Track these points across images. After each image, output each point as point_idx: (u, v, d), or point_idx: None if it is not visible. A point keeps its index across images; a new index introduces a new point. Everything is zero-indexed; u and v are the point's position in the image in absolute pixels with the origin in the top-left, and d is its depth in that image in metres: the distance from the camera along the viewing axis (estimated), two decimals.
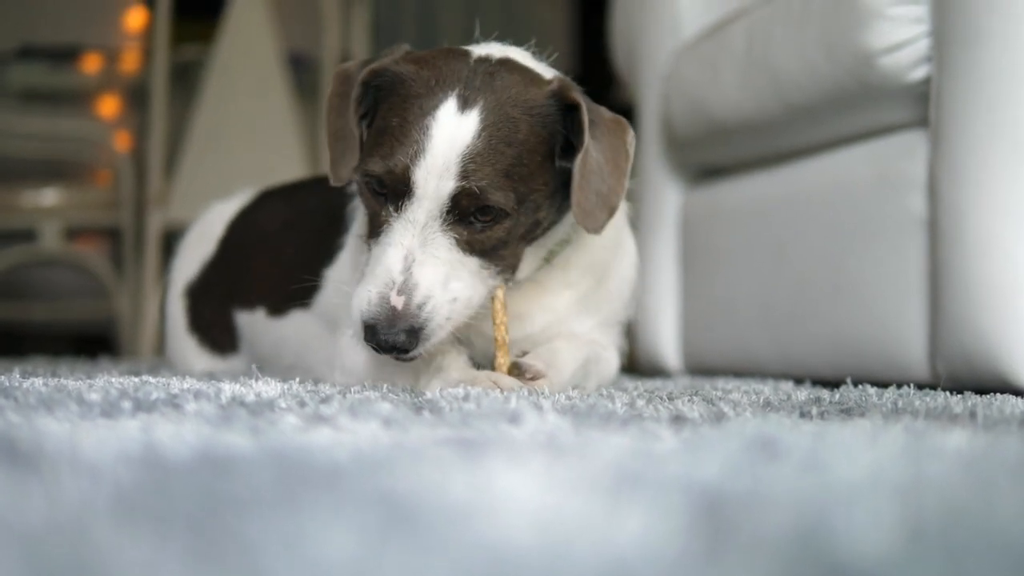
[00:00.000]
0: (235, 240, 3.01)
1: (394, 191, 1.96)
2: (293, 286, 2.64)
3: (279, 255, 2.77)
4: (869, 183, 2.70)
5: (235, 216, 3.08)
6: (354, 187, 2.51)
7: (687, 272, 3.51)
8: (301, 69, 5.94)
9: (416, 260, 1.93)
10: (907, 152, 2.61)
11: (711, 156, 3.42)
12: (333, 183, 2.15)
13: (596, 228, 2.05)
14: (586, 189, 2.02)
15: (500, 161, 1.96)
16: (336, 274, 2.51)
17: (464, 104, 1.97)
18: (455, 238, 1.96)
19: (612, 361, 2.41)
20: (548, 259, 2.23)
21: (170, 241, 4.85)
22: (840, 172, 2.84)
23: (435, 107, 1.97)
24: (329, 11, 5.51)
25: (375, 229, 2.01)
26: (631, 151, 2.10)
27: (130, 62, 6.76)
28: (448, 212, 1.95)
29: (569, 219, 2.16)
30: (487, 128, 1.96)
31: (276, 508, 0.72)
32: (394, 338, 1.89)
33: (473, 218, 1.96)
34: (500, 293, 2.14)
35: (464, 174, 1.93)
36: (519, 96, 2.02)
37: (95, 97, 6.80)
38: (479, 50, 2.14)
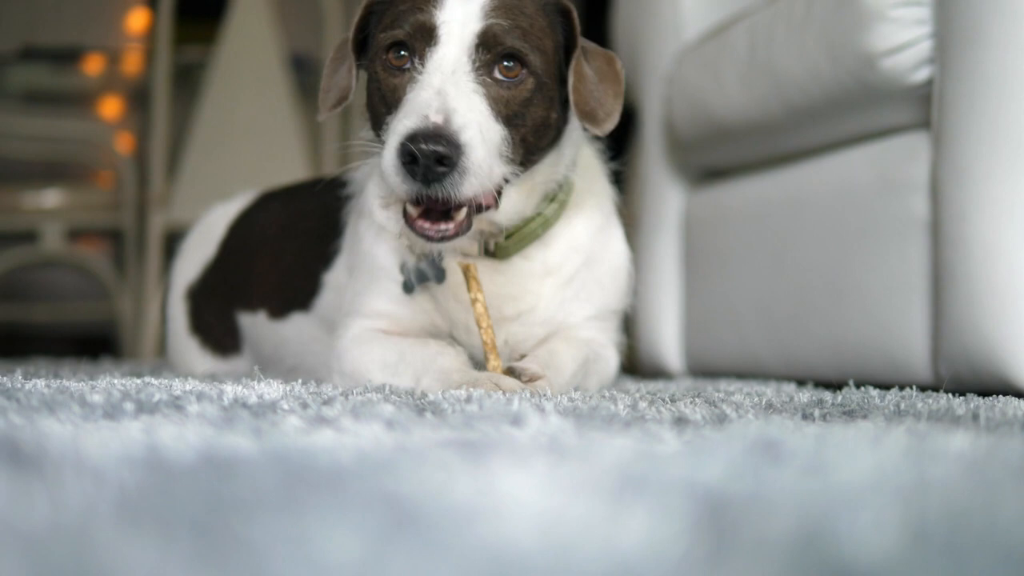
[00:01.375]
0: (236, 242, 3.01)
1: (419, 43, 1.98)
2: (292, 290, 2.65)
3: (279, 258, 2.77)
4: (871, 185, 2.70)
5: (236, 218, 3.08)
6: (349, 189, 2.52)
7: (689, 273, 3.51)
8: (303, 71, 5.94)
9: (450, 94, 1.91)
10: (909, 154, 2.60)
11: (713, 158, 3.42)
12: (322, 113, 2.18)
13: (598, 125, 2.10)
14: (583, 92, 2.07)
15: (518, 19, 2.01)
16: (333, 279, 2.52)
17: None
18: (483, 91, 1.96)
19: (612, 360, 2.41)
20: (548, 199, 2.23)
21: (172, 242, 4.85)
22: (842, 174, 2.84)
23: None
24: (331, 13, 5.51)
25: (397, 100, 1.97)
26: (622, 76, 2.16)
27: (132, 63, 6.77)
28: (475, 54, 1.97)
29: (568, 152, 2.21)
30: (497, 5, 2.02)
31: (280, 510, 0.72)
32: (435, 146, 1.82)
33: (499, 70, 1.99)
34: (481, 296, 2.15)
35: (486, 17, 1.98)
36: None
37: (97, 98, 6.81)
38: None
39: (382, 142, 1.98)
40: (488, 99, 1.96)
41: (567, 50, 2.10)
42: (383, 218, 2.21)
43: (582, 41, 2.11)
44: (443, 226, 1.94)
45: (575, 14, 2.09)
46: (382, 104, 2.03)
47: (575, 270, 2.32)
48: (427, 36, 1.97)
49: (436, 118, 1.84)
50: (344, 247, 2.49)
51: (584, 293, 2.35)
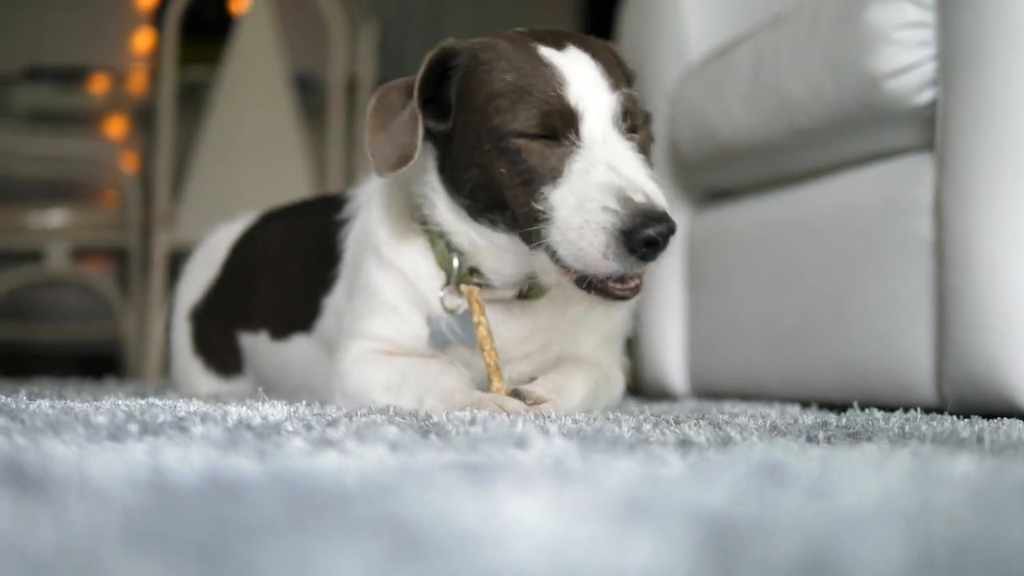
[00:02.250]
0: (238, 262, 3.01)
1: (561, 121, 1.98)
2: (293, 311, 2.65)
3: (280, 278, 2.78)
4: (875, 206, 2.70)
5: (238, 238, 3.08)
6: (346, 213, 2.52)
7: (693, 295, 3.51)
8: (308, 90, 5.96)
9: (624, 168, 1.93)
10: (913, 175, 2.61)
11: (717, 179, 3.42)
12: (390, 171, 2.10)
13: None
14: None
15: (621, 79, 2.06)
16: (333, 303, 2.52)
17: (558, 46, 2.06)
18: (633, 149, 2.00)
19: (619, 383, 2.42)
20: None
21: (176, 262, 4.85)
22: (846, 195, 2.84)
23: (535, 52, 2.04)
24: (336, 33, 5.53)
25: (552, 172, 1.97)
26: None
27: (137, 83, 6.79)
28: (618, 118, 2.00)
29: None
30: (595, 57, 2.05)
31: (285, 534, 0.72)
32: (663, 227, 1.84)
33: (630, 129, 2.03)
34: (484, 319, 2.15)
35: (614, 86, 2.02)
36: (595, 42, 2.14)
37: (102, 118, 6.83)
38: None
39: (486, 217, 2.09)
40: (636, 154, 2.00)
41: None
42: (427, 287, 2.25)
43: None
44: (633, 283, 1.97)
45: (628, 66, 2.15)
46: (518, 175, 2.00)
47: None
48: (568, 112, 1.98)
49: (641, 198, 1.86)
50: (343, 273, 2.49)
51: (591, 324, 2.36)
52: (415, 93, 2.08)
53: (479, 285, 2.21)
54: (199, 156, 5.35)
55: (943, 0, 2.46)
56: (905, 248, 2.59)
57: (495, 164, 2.02)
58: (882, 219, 2.67)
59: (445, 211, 2.18)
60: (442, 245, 2.22)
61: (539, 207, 1.95)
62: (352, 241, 2.46)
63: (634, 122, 2.04)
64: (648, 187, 1.89)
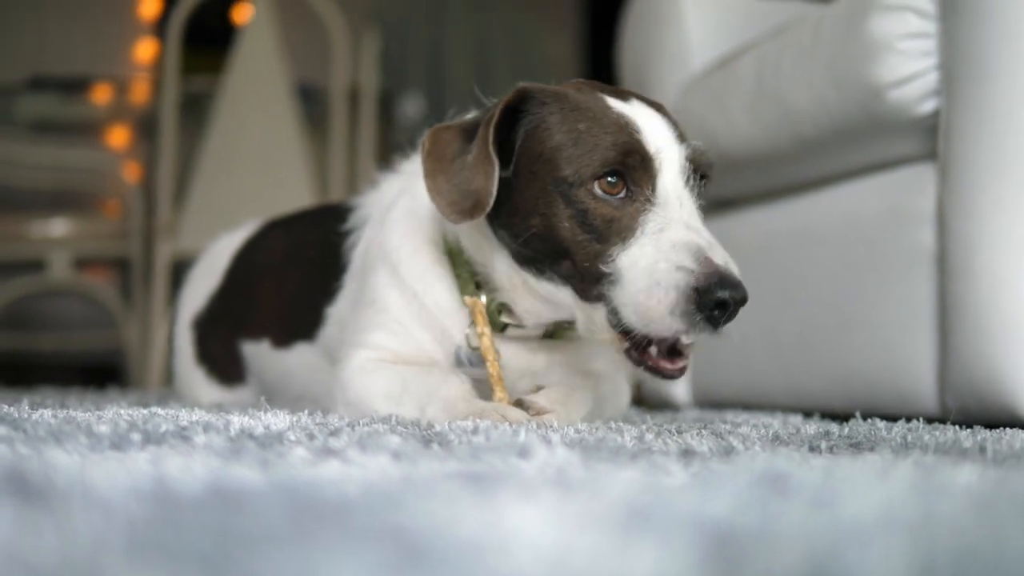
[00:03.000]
0: (240, 271, 3.01)
1: (637, 170, 1.94)
2: (296, 320, 2.65)
3: (282, 286, 2.77)
4: (878, 216, 2.71)
5: (241, 247, 3.08)
6: (351, 223, 2.51)
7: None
8: (310, 99, 5.97)
9: (701, 230, 1.91)
10: (916, 185, 2.61)
11: (720, 188, 3.42)
12: (464, 219, 2.03)
13: None
14: None
15: (683, 133, 2.04)
16: (336, 312, 2.51)
17: (623, 99, 2.04)
18: (700, 212, 1.99)
19: (625, 395, 2.41)
20: None
21: (179, 271, 4.85)
22: (849, 205, 2.84)
23: (604, 104, 2.01)
24: (338, 41, 5.54)
25: (622, 232, 1.93)
26: None
27: (140, 93, 6.80)
28: (690, 176, 1.98)
29: None
30: (658, 111, 2.04)
31: (288, 544, 0.72)
32: (737, 293, 1.81)
33: (697, 184, 2.01)
34: (487, 330, 2.15)
35: (681, 138, 2.00)
36: (652, 101, 2.12)
37: (105, 128, 6.84)
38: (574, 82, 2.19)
39: (535, 266, 2.05)
40: (698, 209, 1.99)
41: None
42: (446, 315, 2.24)
43: None
44: (682, 364, 1.95)
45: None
46: (586, 231, 1.95)
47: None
48: (646, 164, 1.94)
49: (720, 261, 1.83)
50: (347, 284, 2.48)
51: (600, 347, 2.36)
52: (490, 136, 2.00)
53: (507, 324, 2.20)
54: (201, 165, 5.35)
55: (946, 10, 2.47)
56: (908, 258, 2.59)
57: (560, 216, 1.97)
58: (885, 229, 2.67)
59: (489, 252, 2.14)
60: (466, 274, 2.20)
61: (605, 268, 1.92)
62: (361, 252, 2.45)
63: (703, 177, 2.02)
64: (726, 257, 1.86)
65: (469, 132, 2.08)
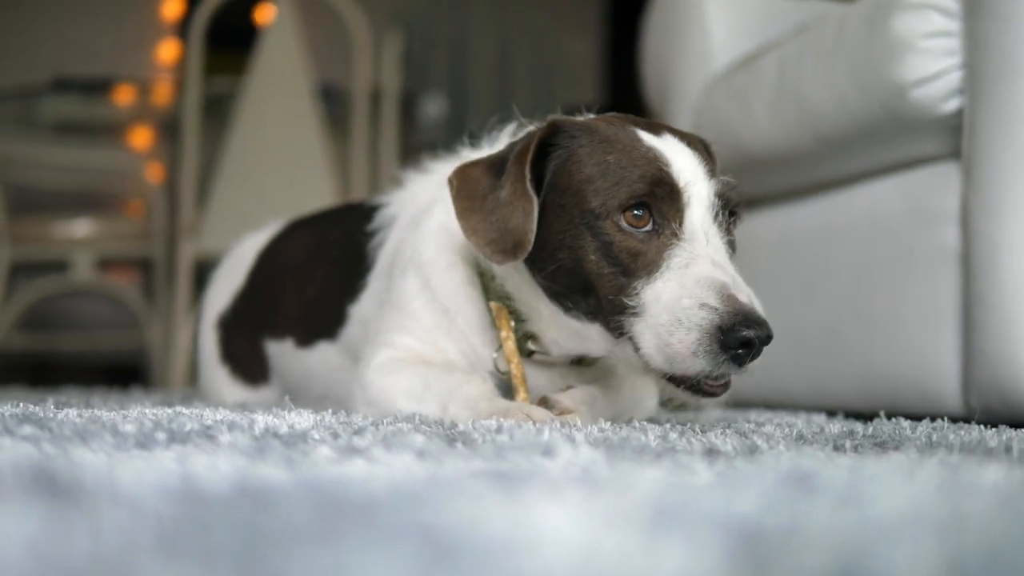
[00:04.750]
0: (264, 271, 3.02)
1: (665, 203, 1.93)
2: (318, 319, 2.65)
3: (305, 286, 2.78)
4: (901, 215, 2.70)
5: (264, 247, 3.09)
6: (377, 223, 2.52)
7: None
8: (332, 101, 5.97)
9: (726, 267, 1.90)
10: (939, 184, 2.60)
11: (742, 188, 3.40)
12: (506, 260, 2.02)
13: None
14: None
15: (715, 169, 2.03)
16: (359, 312, 2.51)
17: (654, 132, 2.03)
18: (725, 242, 1.98)
19: (651, 398, 2.40)
20: None
21: (201, 272, 4.87)
22: (872, 204, 2.83)
23: (636, 137, 2.00)
24: (360, 43, 5.54)
25: (648, 267, 1.91)
26: None
27: (162, 94, 6.81)
28: (719, 212, 1.97)
29: None
30: (689, 145, 2.02)
31: (316, 542, 0.72)
32: (763, 332, 1.81)
33: (725, 220, 2.00)
34: (511, 334, 2.15)
35: (711, 173, 1.99)
36: (687, 133, 2.10)
37: (128, 129, 6.86)
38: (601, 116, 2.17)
39: (561, 301, 2.04)
40: (726, 246, 1.98)
41: None
42: (474, 333, 2.24)
43: None
44: (724, 379, 1.91)
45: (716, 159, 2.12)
46: (611, 264, 1.94)
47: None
48: (673, 197, 1.93)
49: (744, 299, 1.82)
50: (372, 283, 2.48)
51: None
52: (526, 172, 2.00)
53: (532, 352, 2.20)
54: (224, 166, 5.36)
55: (969, 9, 2.46)
56: (931, 257, 2.58)
57: (586, 249, 1.96)
58: (908, 228, 2.67)
59: (518, 283, 2.14)
60: (496, 298, 2.19)
61: (629, 301, 1.91)
62: (388, 252, 2.45)
63: (732, 214, 2.01)
64: (748, 289, 1.86)
65: (496, 166, 2.07)
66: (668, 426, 1.99)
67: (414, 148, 6.75)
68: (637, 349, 1.91)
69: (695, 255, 1.88)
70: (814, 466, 1.19)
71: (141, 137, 6.85)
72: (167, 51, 8.78)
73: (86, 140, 6.80)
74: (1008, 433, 1.85)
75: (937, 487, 1.04)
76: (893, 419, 2.11)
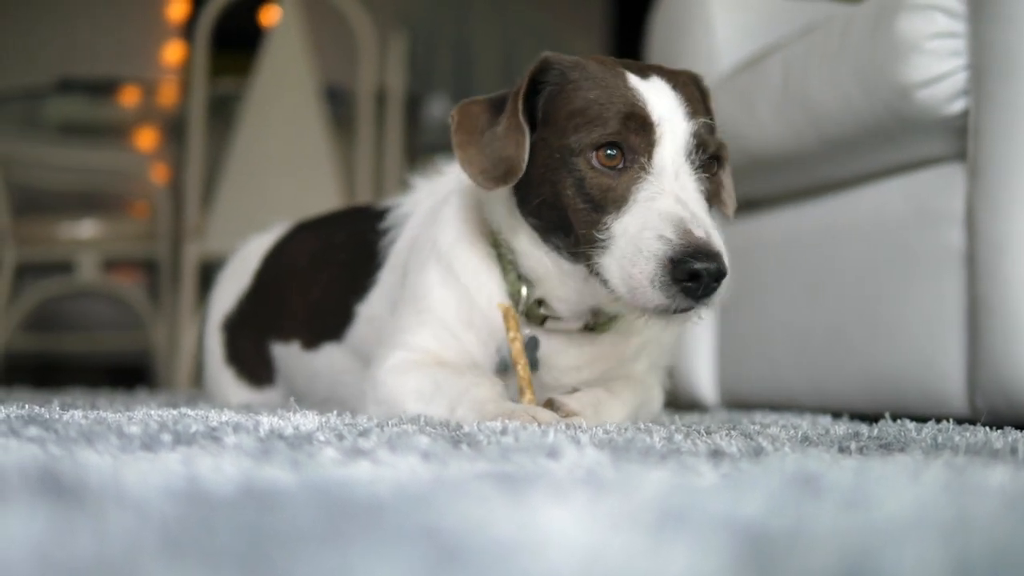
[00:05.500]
0: (270, 273, 3.02)
1: (637, 140, 1.96)
2: (324, 320, 2.65)
3: (311, 288, 2.78)
4: (906, 216, 2.70)
5: (270, 249, 3.09)
6: (389, 221, 2.52)
7: (723, 305, 3.50)
8: (337, 101, 5.97)
9: (691, 202, 1.92)
10: (945, 185, 2.60)
11: (747, 189, 3.42)
12: (496, 186, 2.08)
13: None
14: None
15: (700, 111, 2.04)
16: (367, 310, 2.52)
17: (643, 75, 2.05)
18: (701, 190, 1.99)
19: (657, 402, 2.41)
20: None
21: (207, 273, 4.87)
22: (877, 205, 2.83)
23: (622, 76, 2.03)
24: (365, 44, 5.54)
25: (617, 201, 1.95)
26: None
27: (168, 95, 6.81)
28: (692, 153, 1.99)
29: None
30: (678, 89, 2.03)
31: (322, 544, 0.72)
32: (712, 265, 1.83)
33: (704, 168, 2.01)
34: (519, 335, 2.16)
35: (688, 115, 1.99)
36: (674, 71, 2.12)
37: (133, 130, 6.86)
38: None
39: (551, 241, 2.08)
40: (703, 194, 2.00)
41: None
42: (494, 310, 2.24)
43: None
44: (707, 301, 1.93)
45: (710, 94, 2.13)
46: (584, 200, 1.99)
47: (651, 338, 2.34)
48: (645, 132, 1.97)
49: (700, 233, 1.85)
50: (383, 280, 2.49)
51: (646, 351, 2.37)
52: (519, 105, 2.06)
53: (546, 317, 2.22)
54: (229, 167, 5.36)
55: (975, 10, 2.46)
56: (937, 258, 2.58)
57: (564, 183, 2.01)
58: (913, 229, 2.66)
59: (518, 232, 2.18)
60: (514, 275, 2.22)
61: (600, 236, 1.95)
62: (401, 249, 2.46)
63: (708, 156, 2.02)
64: (710, 225, 1.88)
65: (497, 105, 2.13)
66: (673, 428, 1.99)
67: (419, 149, 6.76)
68: (605, 283, 1.95)
69: (661, 190, 1.92)
70: (819, 468, 1.19)
71: (146, 138, 6.86)
72: (172, 52, 8.79)
73: (91, 141, 6.80)
74: (1014, 435, 1.85)
75: (943, 489, 1.04)
76: (898, 421, 2.11)
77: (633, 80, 2.02)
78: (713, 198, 2.06)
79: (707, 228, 1.87)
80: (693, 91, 2.09)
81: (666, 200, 1.90)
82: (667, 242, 1.84)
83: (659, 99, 1.99)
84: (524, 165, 2.04)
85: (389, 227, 2.54)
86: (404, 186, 2.60)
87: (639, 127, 1.96)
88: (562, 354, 2.24)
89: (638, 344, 2.33)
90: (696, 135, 1.99)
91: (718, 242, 1.86)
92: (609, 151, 1.97)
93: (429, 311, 2.28)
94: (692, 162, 1.99)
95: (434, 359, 2.26)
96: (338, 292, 2.64)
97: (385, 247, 2.52)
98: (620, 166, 1.97)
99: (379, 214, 2.62)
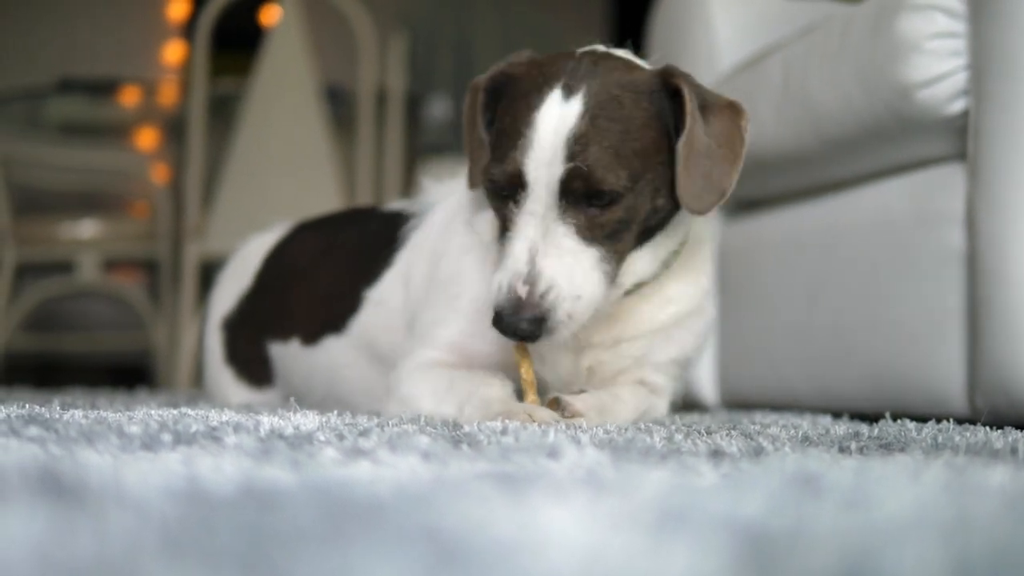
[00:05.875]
0: (270, 272, 3.02)
1: (512, 188, 2.01)
2: (326, 312, 2.65)
3: (314, 284, 2.79)
4: (907, 216, 2.69)
5: (272, 248, 3.10)
6: (416, 207, 2.56)
7: (724, 305, 3.50)
8: (338, 102, 5.97)
9: (539, 251, 1.97)
10: (945, 185, 2.60)
11: (748, 189, 3.42)
12: (469, 188, 2.24)
13: (701, 209, 2.09)
14: (691, 170, 2.04)
15: (606, 139, 2.00)
16: (377, 294, 2.53)
17: (568, 92, 2.02)
18: (574, 225, 2.00)
19: (662, 408, 2.41)
20: (667, 263, 2.25)
21: (207, 273, 4.86)
22: (877, 205, 2.83)
23: (541, 100, 2.02)
24: (365, 44, 5.54)
25: (503, 229, 2.05)
26: (746, 136, 2.13)
27: (168, 95, 6.81)
28: (562, 198, 1.99)
29: (687, 217, 2.21)
30: (590, 109, 2.00)
31: (322, 544, 0.72)
32: (517, 324, 1.94)
33: (588, 202, 2.00)
34: None
35: (571, 156, 1.97)
36: (622, 78, 2.07)
37: (133, 130, 6.86)
38: (585, 50, 2.19)
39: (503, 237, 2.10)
40: (582, 229, 2.01)
41: (680, 127, 2.07)
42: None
43: (701, 98, 2.09)
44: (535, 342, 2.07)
45: (686, 92, 2.05)
46: (494, 210, 2.12)
47: (683, 312, 2.35)
48: (518, 183, 2.01)
49: (522, 290, 1.94)
50: (401, 260, 2.50)
51: (677, 336, 2.36)
52: (476, 119, 2.18)
53: None
54: (229, 167, 5.35)
55: (975, 10, 2.46)
56: (937, 259, 2.58)
57: (487, 191, 2.12)
58: (914, 229, 2.66)
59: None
60: None
61: (501, 241, 2.07)
62: (426, 234, 2.47)
63: (595, 192, 1.99)
64: (542, 281, 1.96)
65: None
66: (673, 428, 1.99)
67: (419, 149, 6.76)
68: None
69: (518, 236, 1.99)
70: (820, 468, 1.19)
71: (147, 138, 6.86)
72: (173, 52, 8.79)
73: (91, 141, 6.80)
74: (1014, 435, 1.85)
75: (943, 489, 1.04)
76: (899, 420, 2.11)
77: (547, 104, 2.02)
78: (611, 224, 2.02)
79: (535, 283, 1.95)
80: (616, 111, 2.03)
81: (518, 247, 1.99)
82: (496, 291, 1.98)
83: (549, 136, 1.99)
84: (476, 184, 2.18)
85: (415, 213, 2.56)
86: (404, 187, 2.63)
87: (514, 176, 2.00)
88: (566, 360, 2.26)
89: (672, 314, 2.34)
90: (567, 179, 1.98)
91: (537, 301, 1.95)
92: (500, 189, 2.04)
93: (463, 296, 2.30)
94: (561, 205, 2.00)
95: (465, 359, 2.27)
96: (345, 281, 2.65)
97: (406, 233, 2.53)
98: (506, 195, 2.03)
99: (391, 213, 2.65)
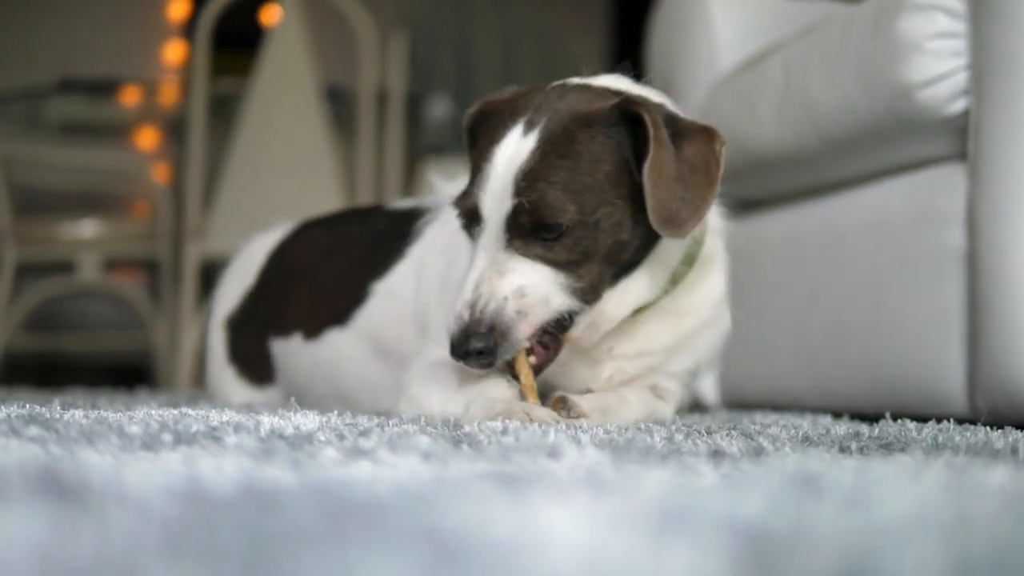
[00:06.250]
0: (273, 270, 3.03)
1: (472, 221, 2.06)
2: (330, 306, 2.66)
3: (318, 280, 2.80)
4: (907, 216, 2.69)
5: (275, 247, 3.10)
6: (431, 203, 2.59)
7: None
8: (338, 102, 5.97)
9: (488, 279, 2.00)
10: (946, 185, 2.60)
11: (748, 189, 3.42)
12: None
13: (676, 234, 2.04)
14: (660, 197, 2.00)
15: (553, 174, 2.00)
16: (386, 285, 2.54)
17: (528, 128, 2.04)
18: (527, 255, 2.02)
19: (666, 414, 2.40)
20: (674, 281, 2.24)
21: (208, 272, 4.87)
22: (878, 205, 2.83)
23: (503, 136, 2.05)
24: (366, 44, 5.54)
25: (470, 255, 2.09)
26: (721, 159, 2.11)
27: (168, 95, 6.82)
28: (509, 232, 2.01)
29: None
30: (541, 145, 2.01)
31: (323, 544, 0.72)
32: (468, 347, 1.97)
33: (536, 235, 2.01)
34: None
35: (517, 192, 1.99)
36: (578, 111, 2.05)
37: (134, 130, 6.86)
38: (575, 81, 2.22)
39: None
40: (536, 258, 2.03)
41: (642, 156, 2.03)
42: None
43: (676, 125, 2.08)
44: (492, 359, 2.06)
45: (647, 119, 2.01)
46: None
47: (700, 324, 2.36)
48: (475, 217, 2.05)
49: (466, 315, 1.98)
50: (413, 254, 2.52)
51: (694, 347, 2.36)
52: (469, 154, 2.21)
53: None
54: (230, 167, 5.35)
55: (975, 10, 2.46)
56: (937, 259, 2.58)
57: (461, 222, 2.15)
58: (914, 229, 2.66)
59: None
60: None
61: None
62: (442, 227, 2.48)
63: (545, 224, 2.00)
64: (480, 301, 1.99)
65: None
66: (673, 428, 1.99)
67: (420, 149, 6.75)
68: None
69: (473, 267, 2.03)
70: (820, 468, 1.19)
71: (147, 138, 6.86)
72: (173, 52, 8.78)
73: (92, 141, 6.80)
74: (1014, 435, 1.85)
75: (943, 489, 1.04)
76: (899, 420, 2.11)
77: (506, 141, 2.05)
78: (566, 254, 2.02)
79: (475, 306, 1.99)
80: (566, 146, 2.02)
81: (469, 278, 2.03)
82: (454, 318, 2.01)
83: (501, 172, 2.02)
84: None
85: (427, 208, 2.57)
86: (405, 187, 2.64)
87: (472, 211, 2.05)
88: (579, 369, 2.27)
89: (690, 326, 2.34)
90: (514, 214, 2.00)
91: (478, 317, 1.98)
92: (464, 223, 2.10)
93: None
94: (509, 238, 2.02)
95: None
96: (350, 276, 2.66)
97: (421, 227, 2.54)
98: (469, 227, 2.09)
99: (400, 210, 2.66)
